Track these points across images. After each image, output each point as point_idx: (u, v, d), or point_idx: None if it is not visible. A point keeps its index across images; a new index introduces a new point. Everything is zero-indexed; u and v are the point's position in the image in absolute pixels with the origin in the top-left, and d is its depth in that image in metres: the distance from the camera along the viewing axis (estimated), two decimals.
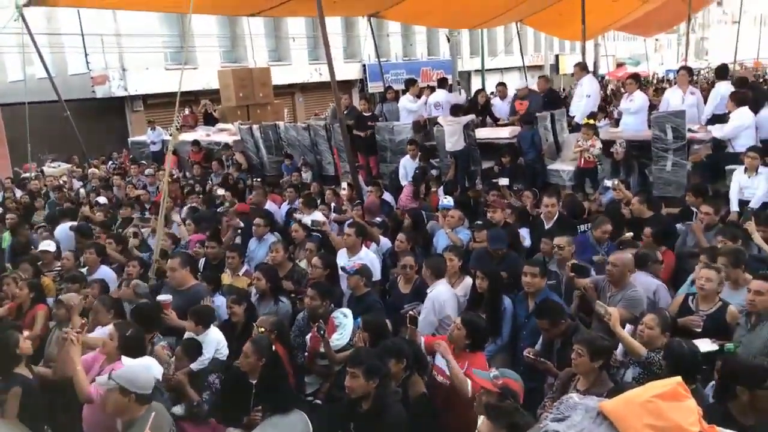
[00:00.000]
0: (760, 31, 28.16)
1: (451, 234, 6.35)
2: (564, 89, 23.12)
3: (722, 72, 9.69)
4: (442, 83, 12.25)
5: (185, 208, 8.86)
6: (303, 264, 6.26)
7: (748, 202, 6.47)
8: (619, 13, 17.92)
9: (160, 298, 5.02)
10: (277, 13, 15.56)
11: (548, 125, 9.32)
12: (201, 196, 9.47)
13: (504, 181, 7.83)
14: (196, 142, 12.75)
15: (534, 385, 4.08)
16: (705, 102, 8.98)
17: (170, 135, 11.92)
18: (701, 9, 31.61)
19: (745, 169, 6.56)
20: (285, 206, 8.92)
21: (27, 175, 13.08)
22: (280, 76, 21.23)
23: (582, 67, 9.96)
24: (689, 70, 9.79)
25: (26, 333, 5.08)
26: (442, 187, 8.54)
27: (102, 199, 9.65)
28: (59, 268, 6.65)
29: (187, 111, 16.14)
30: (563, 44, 39.11)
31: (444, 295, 4.98)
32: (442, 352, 3.91)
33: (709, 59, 42.35)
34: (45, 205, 10.02)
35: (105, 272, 6.33)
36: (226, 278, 6.13)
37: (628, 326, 4.27)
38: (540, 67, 37.40)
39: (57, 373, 4.09)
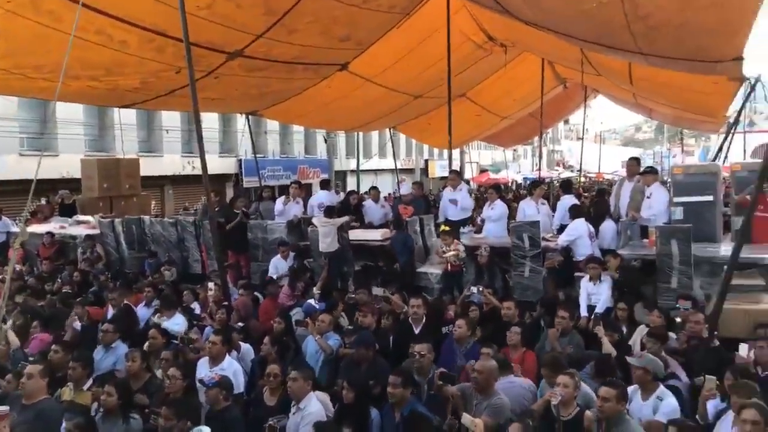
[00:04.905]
0: (600, 146, 32.84)
1: (321, 340, 6.16)
2: (433, 192, 24.48)
3: (566, 186, 10.83)
4: (325, 184, 12.47)
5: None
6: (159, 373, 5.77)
7: (595, 307, 7.01)
8: (481, 126, 19.58)
9: None
10: (151, 106, 15.21)
11: (417, 229, 9.68)
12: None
13: (378, 291, 7.87)
14: (50, 234, 11.75)
15: None
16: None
17: (18, 227, 10.90)
18: (551, 126, 35.56)
19: (590, 278, 7.16)
20: (142, 307, 8.30)
21: None
22: (150, 168, 20.54)
23: (457, 174, 10.66)
24: (545, 187, 10.87)
25: None
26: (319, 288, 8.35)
27: None
28: None
29: (43, 201, 14.96)
30: (432, 150, 41.77)
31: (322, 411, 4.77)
32: None
33: (560, 170, 47.36)
34: None
35: None
36: (67, 393, 5.45)
37: None
38: (411, 171, 39.51)
39: None
